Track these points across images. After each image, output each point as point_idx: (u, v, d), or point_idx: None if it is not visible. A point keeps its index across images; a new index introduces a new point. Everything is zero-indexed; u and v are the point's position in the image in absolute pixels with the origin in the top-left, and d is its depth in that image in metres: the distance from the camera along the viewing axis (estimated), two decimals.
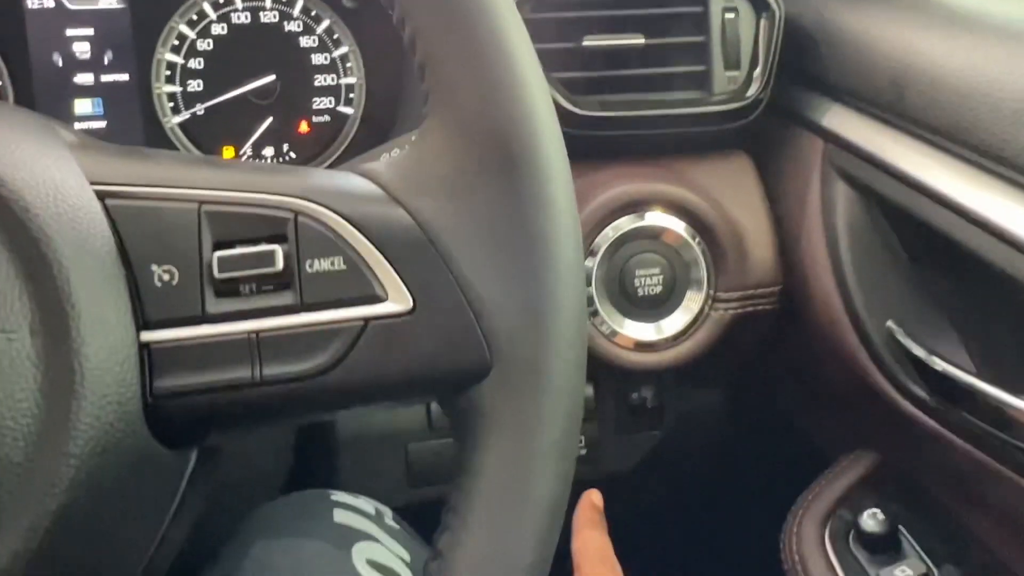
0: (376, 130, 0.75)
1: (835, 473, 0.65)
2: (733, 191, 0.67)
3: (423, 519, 0.46)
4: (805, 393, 0.73)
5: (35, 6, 0.68)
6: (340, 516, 0.55)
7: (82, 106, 0.70)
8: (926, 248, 0.58)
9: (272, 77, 0.72)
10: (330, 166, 0.72)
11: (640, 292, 0.64)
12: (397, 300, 0.34)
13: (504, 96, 0.35)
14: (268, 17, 0.72)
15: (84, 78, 0.70)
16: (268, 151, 0.74)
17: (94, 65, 0.70)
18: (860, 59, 0.61)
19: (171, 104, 0.71)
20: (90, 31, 0.70)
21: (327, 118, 0.74)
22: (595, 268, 0.64)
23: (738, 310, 0.65)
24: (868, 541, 0.61)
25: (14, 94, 0.68)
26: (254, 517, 0.56)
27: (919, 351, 0.57)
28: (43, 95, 0.69)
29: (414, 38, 0.36)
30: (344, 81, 0.74)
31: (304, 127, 0.74)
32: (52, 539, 0.30)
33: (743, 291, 0.65)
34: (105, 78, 0.70)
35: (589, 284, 0.63)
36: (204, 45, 0.71)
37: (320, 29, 0.73)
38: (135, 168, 0.35)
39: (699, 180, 0.66)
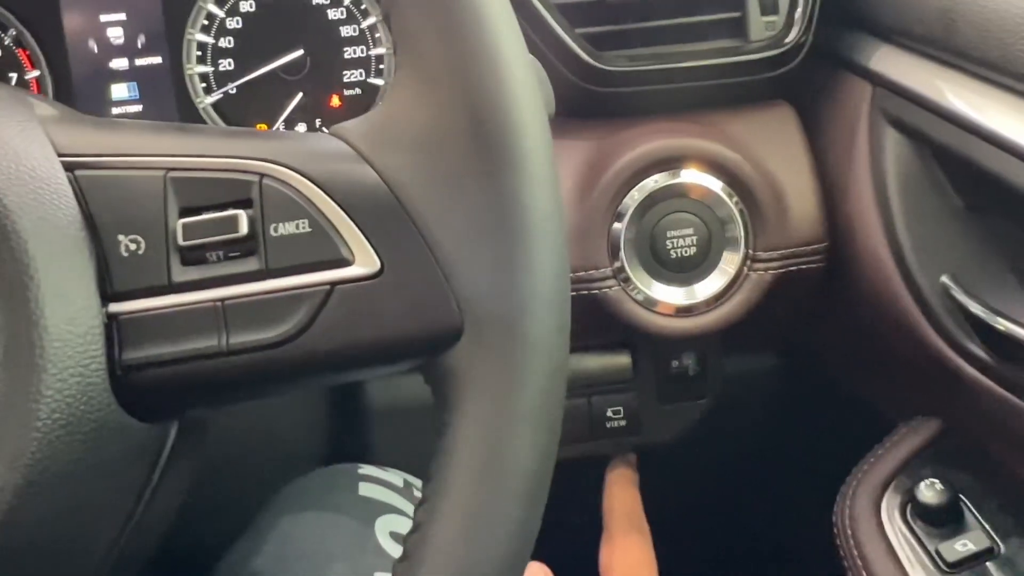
0: None
1: (892, 442, 0.61)
2: (773, 144, 0.63)
3: None
4: (858, 357, 0.69)
5: None
6: (365, 489, 0.55)
7: (118, 90, 0.71)
8: (983, 196, 0.54)
9: (300, 52, 0.72)
10: None
11: (672, 254, 0.61)
12: (364, 263, 0.33)
13: (468, 41, 0.33)
14: None
15: (119, 63, 0.71)
16: (301, 127, 0.73)
17: (128, 49, 0.71)
18: None
19: (203, 84, 0.71)
20: (123, 16, 0.70)
21: (358, 91, 0.73)
22: (623, 231, 0.61)
23: (779, 270, 0.61)
24: (926, 513, 0.57)
25: (52, 82, 0.69)
26: (282, 493, 0.56)
27: (977, 308, 0.53)
28: (80, 81, 0.70)
29: None
30: (374, 52, 0.73)
31: (335, 101, 0.73)
32: (16, 514, 0.30)
33: (784, 250, 0.61)
34: (139, 62, 0.71)
35: (618, 248, 0.61)
36: (233, 23, 0.71)
37: (347, 0, 0.72)
38: (104, 138, 0.35)
39: (736, 134, 0.63)
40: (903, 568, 0.55)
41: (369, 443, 0.70)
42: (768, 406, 0.75)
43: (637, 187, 0.61)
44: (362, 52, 0.73)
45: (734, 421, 0.70)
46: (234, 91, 0.72)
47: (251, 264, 0.33)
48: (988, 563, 0.54)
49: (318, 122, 0.73)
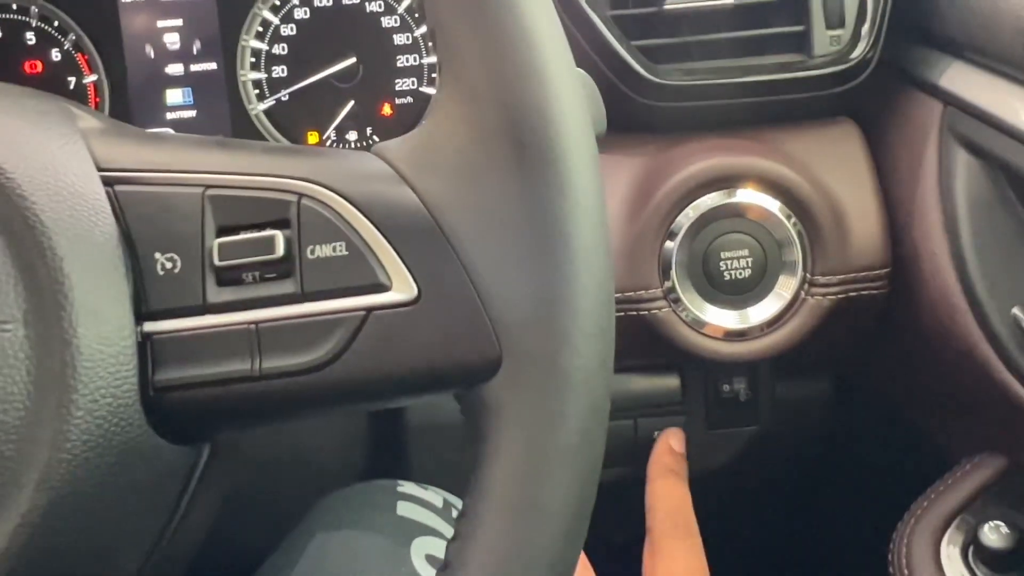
0: None
1: (954, 478, 0.58)
2: (836, 163, 0.60)
3: None
4: (920, 388, 0.66)
5: (128, 0, 0.70)
6: (403, 509, 0.54)
7: (173, 96, 0.72)
8: None
9: (353, 60, 0.71)
10: None
11: (726, 276, 0.59)
12: (401, 289, 0.32)
13: (511, 59, 0.31)
14: None
15: (175, 68, 0.71)
16: (352, 135, 0.73)
17: (183, 55, 0.71)
18: (982, 7, 0.54)
19: (256, 91, 0.72)
20: (179, 22, 0.71)
21: (410, 100, 0.73)
22: (675, 251, 0.59)
23: (838, 295, 0.59)
24: (989, 556, 0.54)
25: (109, 87, 0.70)
26: (319, 508, 0.55)
27: None
28: (136, 86, 0.71)
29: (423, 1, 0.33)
30: (426, 61, 0.72)
31: (387, 109, 0.73)
32: (43, 537, 0.29)
33: (844, 275, 0.59)
34: (194, 67, 0.71)
35: (669, 268, 0.59)
36: (287, 30, 0.71)
37: (401, 8, 0.71)
38: (145, 153, 0.34)
39: (796, 152, 0.60)
40: None
41: (409, 459, 0.69)
42: (821, 435, 0.72)
43: (691, 206, 0.59)
44: (415, 60, 0.72)
45: (785, 450, 0.68)
46: (286, 98, 0.72)
47: (286, 287, 0.32)
48: None
49: (369, 130, 0.73)
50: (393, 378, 0.32)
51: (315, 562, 0.50)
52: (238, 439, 0.36)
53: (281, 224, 0.33)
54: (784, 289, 0.59)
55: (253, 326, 0.32)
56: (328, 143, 0.73)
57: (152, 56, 0.71)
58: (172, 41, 0.71)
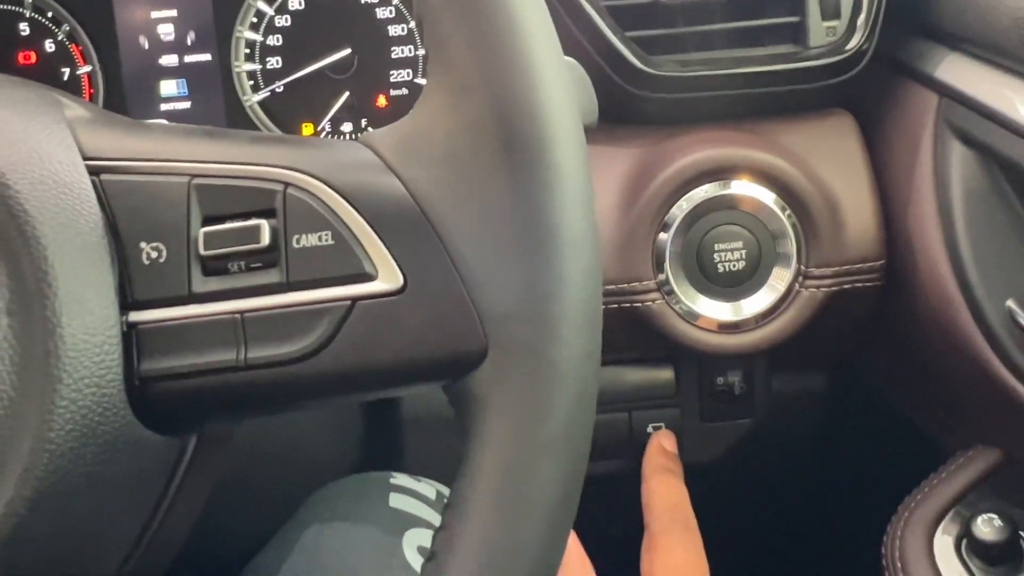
0: None
1: (948, 471, 0.58)
2: (830, 155, 0.60)
3: None
4: (913, 380, 0.66)
5: None
6: (396, 501, 0.54)
7: (167, 87, 0.72)
8: None
9: (348, 51, 0.71)
10: None
11: (720, 268, 0.58)
12: (387, 278, 0.32)
13: (498, 48, 0.31)
14: None
15: (169, 59, 0.71)
16: (347, 127, 0.73)
17: (178, 46, 0.71)
18: None
19: (251, 82, 0.71)
20: (174, 12, 0.71)
21: (405, 91, 0.72)
22: (669, 242, 0.59)
23: (833, 288, 0.59)
24: (983, 549, 0.53)
25: (103, 78, 0.70)
26: (312, 499, 0.55)
27: None
28: (130, 78, 0.70)
29: None
30: (421, 52, 0.72)
31: (382, 101, 0.73)
32: (27, 528, 0.29)
33: (839, 267, 0.58)
34: (188, 59, 0.71)
35: (663, 260, 0.59)
36: (282, 21, 0.71)
37: None
38: (131, 142, 0.34)
39: (791, 144, 0.60)
40: None
41: (403, 451, 0.69)
42: (816, 428, 0.72)
43: (685, 197, 0.59)
44: (410, 52, 0.72)
45: (779, 443, 0.68)
46: (281, 89, 0.71)
47: (272, 276, 0.32)
48: None
49: (363, 122, 0.73)
50: (379, 368, 0.32)
51: (308, 553, 0.50)
52: (227, 431, 0.36)
53: (267, 213, 0.33)
54: (778, 281, 0.59)
55: (238, 316, 0.32)
56: (323, 134, 0.72)
57: (146, 47, 0.70)
58: (166, 32, 0.71)
